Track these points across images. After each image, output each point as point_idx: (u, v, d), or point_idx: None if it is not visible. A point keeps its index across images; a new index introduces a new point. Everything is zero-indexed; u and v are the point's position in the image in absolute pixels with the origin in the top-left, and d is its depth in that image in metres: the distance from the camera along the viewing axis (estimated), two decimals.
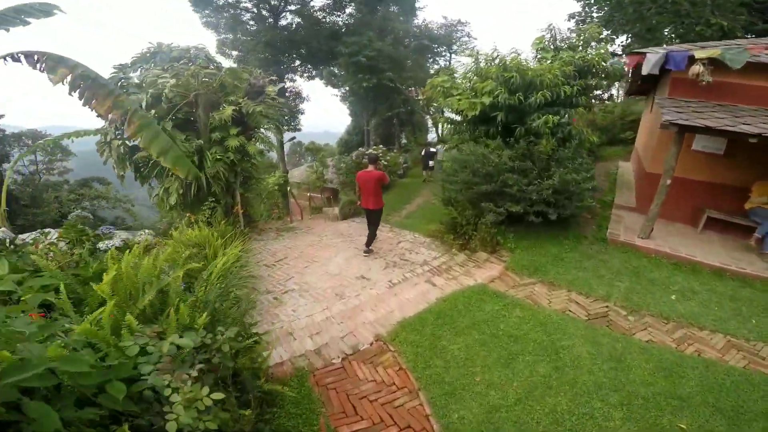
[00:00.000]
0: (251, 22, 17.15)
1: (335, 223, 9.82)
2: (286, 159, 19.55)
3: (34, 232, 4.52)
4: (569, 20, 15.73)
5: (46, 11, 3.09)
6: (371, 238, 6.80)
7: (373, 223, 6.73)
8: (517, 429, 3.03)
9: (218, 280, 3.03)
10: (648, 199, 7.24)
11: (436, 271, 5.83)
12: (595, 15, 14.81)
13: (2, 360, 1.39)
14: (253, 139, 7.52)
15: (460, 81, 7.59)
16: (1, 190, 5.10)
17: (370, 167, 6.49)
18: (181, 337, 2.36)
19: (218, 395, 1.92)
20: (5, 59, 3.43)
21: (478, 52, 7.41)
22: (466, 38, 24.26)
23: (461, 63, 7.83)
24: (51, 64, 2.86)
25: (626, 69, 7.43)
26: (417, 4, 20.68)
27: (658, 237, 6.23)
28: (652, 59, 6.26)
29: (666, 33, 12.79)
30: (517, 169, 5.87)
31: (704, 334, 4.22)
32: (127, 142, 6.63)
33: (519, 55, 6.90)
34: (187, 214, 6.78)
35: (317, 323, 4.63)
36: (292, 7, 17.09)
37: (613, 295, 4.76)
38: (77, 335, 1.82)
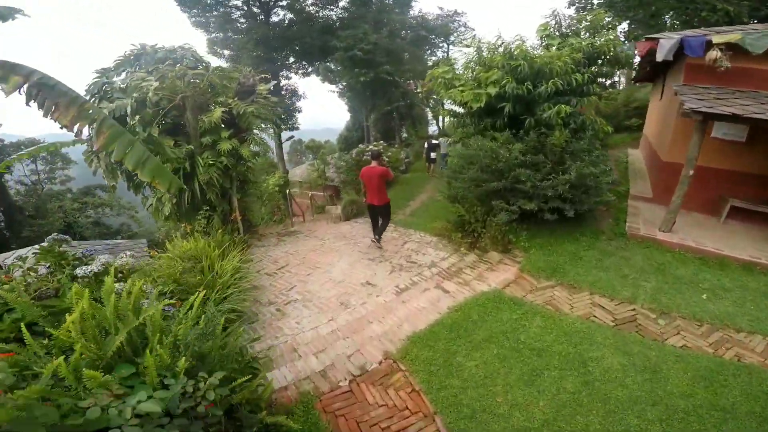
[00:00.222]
0: (242, 20, 16.69)
1: (337, 224, 9.50)
2: (287, 158, 19.24)
3: (19, 250, 4.25)
4: (569, 7, 15.35)
5: (3, 15, 2.74)
6: (383, 229, 6.80)
7: (383, 216, 6.68)
8: None
9: (202, 310, 2.65)
10: (665, 189, 6.90)
11: (445, 274, 5.50)
12: (595, 1, 14.47)
13: None
14: (247, 141, 7.16)
15: (462, 71, 7.21)
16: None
17: (374, 163, 6.39)
18: (162, 380, 2.06)
19: None
20: None
21: (480, 41, 7.01)
22: (463, 29, 23.81)
23: (463, 53, 7.44)
24: (1, 73, 2.52)
25: (637, 55, 7.06)
26: None
27: (679, 229, 5.87)
28: (666, 45, 6.01)
29: (668, 19, 12.57)
30: (529, 163, 5.50)
31: (742, 336, 3.89)
32: None
33: (524, 42, 6.52)
34: (182, 225, 6.49)
35: (323, 337, 4.36)
36: (283, 3, 16.60)
37: (639, 297, 4.41)
38: (28, 393, 1.50)
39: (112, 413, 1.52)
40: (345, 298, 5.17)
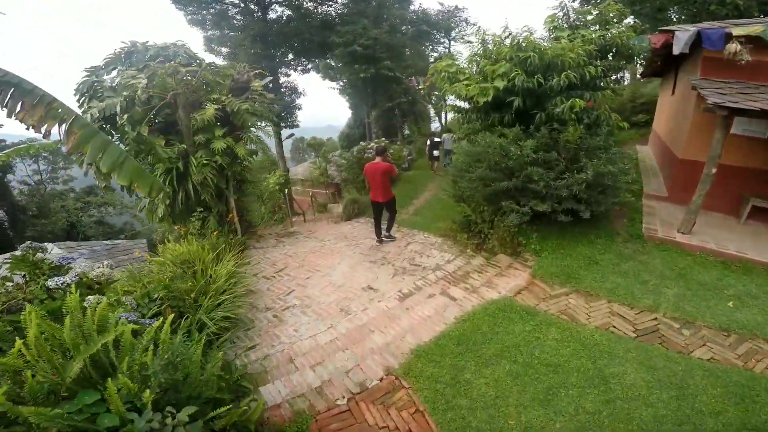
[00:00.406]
0: (238, 17, 16.33)
1: (338, 225, 9.22)
2: (289, 156, 18.96)
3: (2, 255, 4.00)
4: (573, 1, 14.96)
5: None
6: (390, 222, 6.87)
7: (389, 209, 6.65)
8: None
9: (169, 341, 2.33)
10: (681, 187, 6.57)
11: (451, 278, 5.21)
12: None
13: None
14: (242, 140, 6.86)
15: (466, 65, 6.88)
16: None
17: (377, 159, 6.27)
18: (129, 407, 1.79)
19: None
20: None
21: (485, 32, 6.68)
22: (465, 24, 23.38)
23: (467, 46, 7.12)
24: None
25: (652, 47, 6.72)
26: None
27: (698, 231, 5.54)
28: (682, 38, 5.75)
29: (675, 12, 12.20)
30: (541, 161, 5.17)
31: None
32: None
33: (532, 34, 6.19)
34: (176, 227, 6.23)
35: (321, 347, 4.10)
36: None
37: (661, 305, 4.10)
38: None
39: None
40: (345, 303, 4.92)
